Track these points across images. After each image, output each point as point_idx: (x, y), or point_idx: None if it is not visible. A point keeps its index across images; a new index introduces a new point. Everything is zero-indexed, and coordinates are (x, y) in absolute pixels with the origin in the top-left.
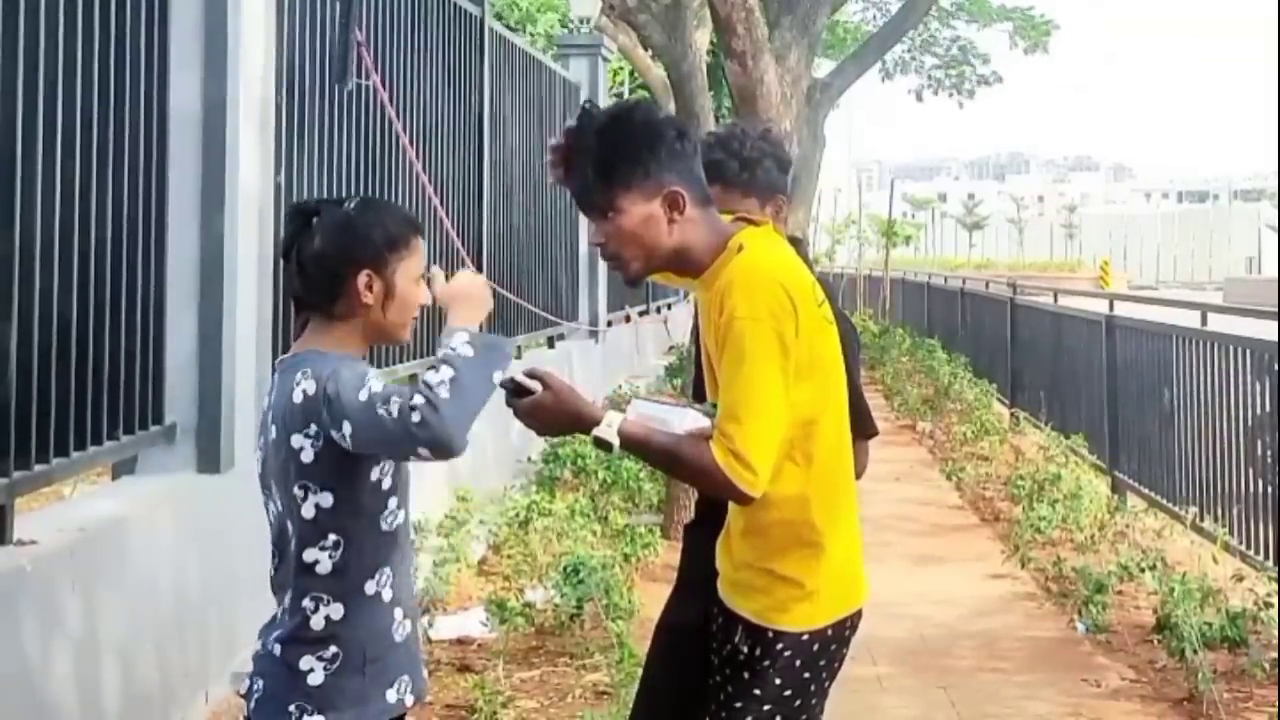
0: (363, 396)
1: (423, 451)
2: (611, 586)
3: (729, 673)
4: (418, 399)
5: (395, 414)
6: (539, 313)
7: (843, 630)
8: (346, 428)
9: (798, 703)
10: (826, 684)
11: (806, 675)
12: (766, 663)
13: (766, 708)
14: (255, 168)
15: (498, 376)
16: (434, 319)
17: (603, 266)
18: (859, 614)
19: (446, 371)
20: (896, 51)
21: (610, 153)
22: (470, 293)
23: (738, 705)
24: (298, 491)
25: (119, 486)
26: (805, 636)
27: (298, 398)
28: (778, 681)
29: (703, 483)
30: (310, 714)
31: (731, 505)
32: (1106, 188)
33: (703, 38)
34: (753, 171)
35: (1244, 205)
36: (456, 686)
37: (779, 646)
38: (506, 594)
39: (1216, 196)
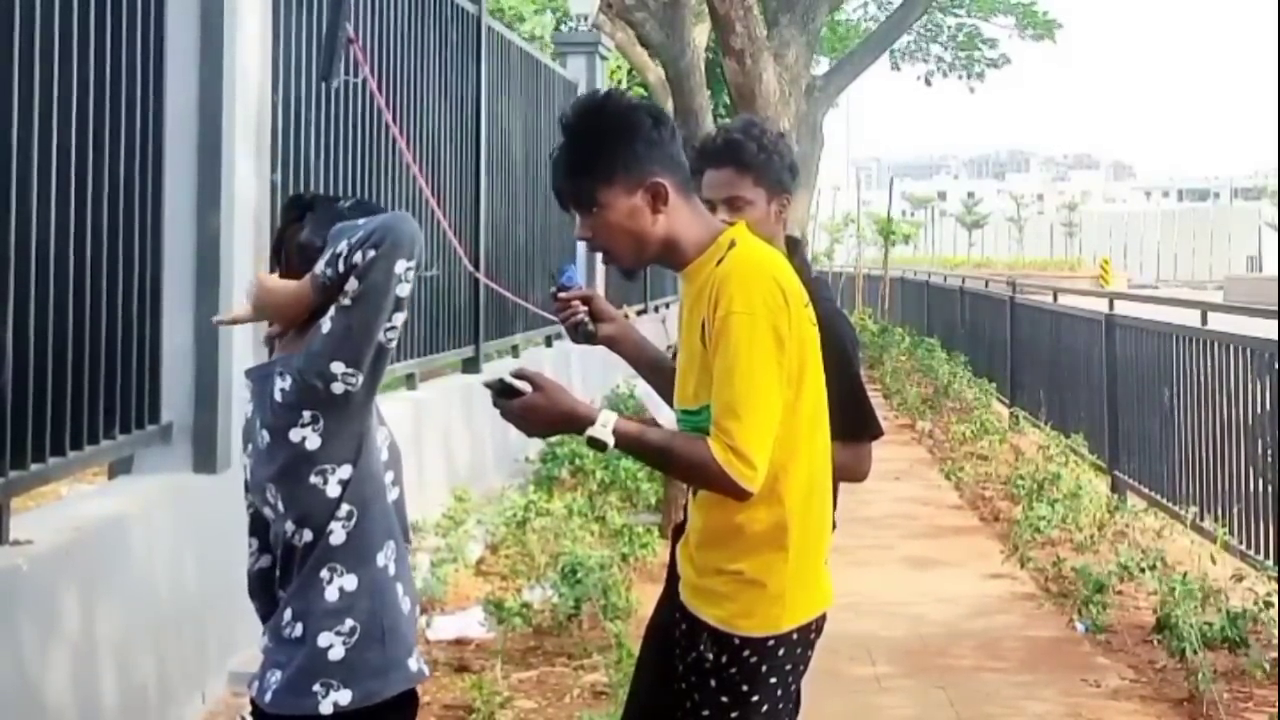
0: (324, 327)
1: (399, 264)
2: (609, 586)
3: (694, 680)
4: (356, 257)
5: (358, 284)
6: (537, 311)
7: (808, 634)
8: (346, 349)
9: (765, 708)
10: (793, 687)
11: (773, 680)
12: (733, 670)
13: (734, 714)
14: (251, 166)
15: (360, 220)
16: (419, 322)
17: (601, 266)
18: (824, 617)
19: (325, 259)
20: (904, 41)
21: (584, 148)
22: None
23: (705, 714)
24: (315, 479)
25: (115, 486)
26: (771, 642)
27: (279, 396)
28: (744, 688)
29: (699, 479)
30: (336, 689)
31: (694, 508)
32: (1106, 186)
33: (701, 35)
34: (769, 157)
35: (1244, 204)
36: (454, 687)
37: (745, 653)
38: (504, 594)
39: (1217, 195)
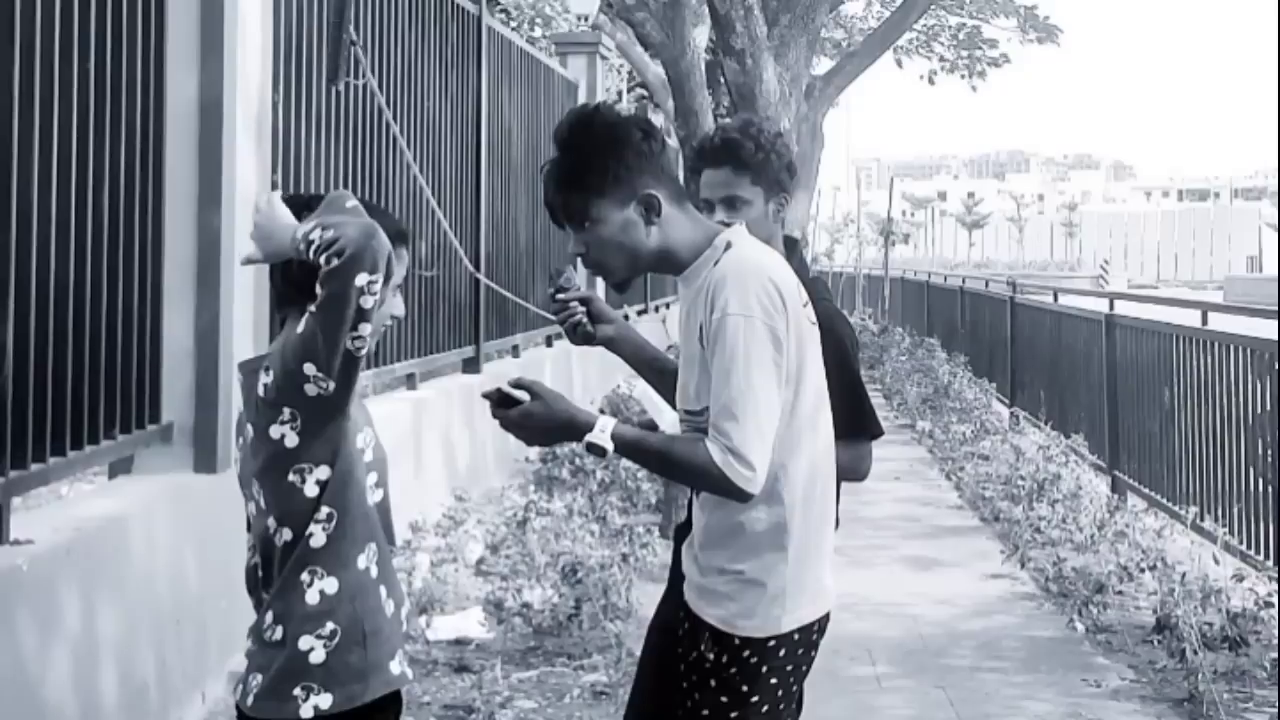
0: (299, 328)
1: (360, 277)
2: (609, 587)
3: (695, 679)
4: (322, 258)
5: (320, 290)
6: (537, 311)
7: (810, 635)
8: (316, 353)
9: (765, 709)
10: (795, 688)
11: (774, 681)
12: (733, 669)
13: (733, 715)
14: (251, 166)
15: (350, 203)
16: (419, 322)
17: None
18: (827, 617)
19: (305, 229)
20: (907, 38)
21: (574, 162)
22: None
23: (705, 713)
24: (294, 478)
25: (116, 486)
26: (772, 643)
27: (262, 391)
28: (744, 689)
29: (699, 482)
30: (317, 693)
31: (697, 508)
32: (1106, 186)
33: (701, 35)
34: (767, 156)
35: (1244, 204)
36: (454, 687)
37: (745, 653)
38: (504, 594)
39: (1217, 195)
